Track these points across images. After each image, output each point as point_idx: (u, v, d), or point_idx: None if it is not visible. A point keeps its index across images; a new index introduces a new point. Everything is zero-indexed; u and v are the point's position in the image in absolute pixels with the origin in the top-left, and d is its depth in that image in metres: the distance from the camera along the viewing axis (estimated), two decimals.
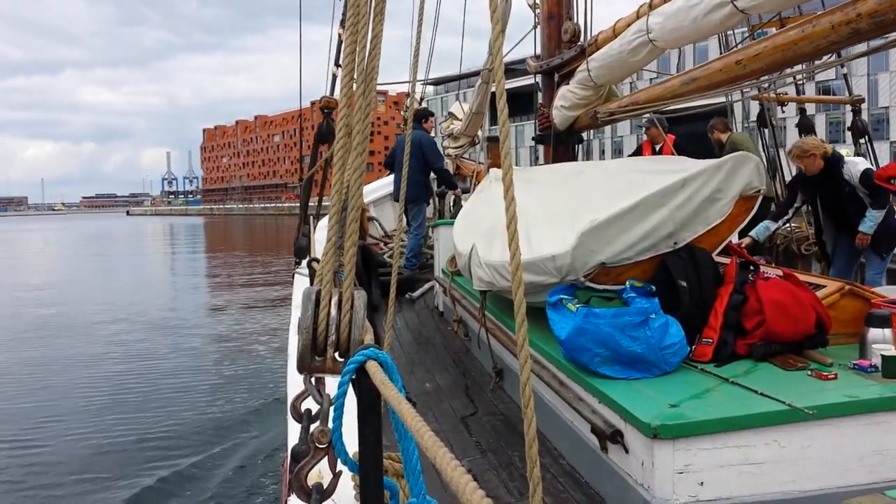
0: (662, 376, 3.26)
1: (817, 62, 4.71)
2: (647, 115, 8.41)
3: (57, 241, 62.58)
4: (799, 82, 8.59)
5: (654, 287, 3.52)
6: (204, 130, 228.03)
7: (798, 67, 4.71)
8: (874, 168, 6.39)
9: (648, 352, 3.22)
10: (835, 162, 6.20)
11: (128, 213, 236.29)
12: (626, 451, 2.90)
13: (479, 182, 8.02)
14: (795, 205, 6.79)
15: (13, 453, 8.59)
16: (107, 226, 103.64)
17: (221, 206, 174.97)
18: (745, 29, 7.26)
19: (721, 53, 4.84)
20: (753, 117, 9.13)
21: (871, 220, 6.12)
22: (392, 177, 10.93)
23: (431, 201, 9.88)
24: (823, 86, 40.57)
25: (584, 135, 7.33)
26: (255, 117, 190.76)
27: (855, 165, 6.22)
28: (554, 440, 3.73)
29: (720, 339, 3.49)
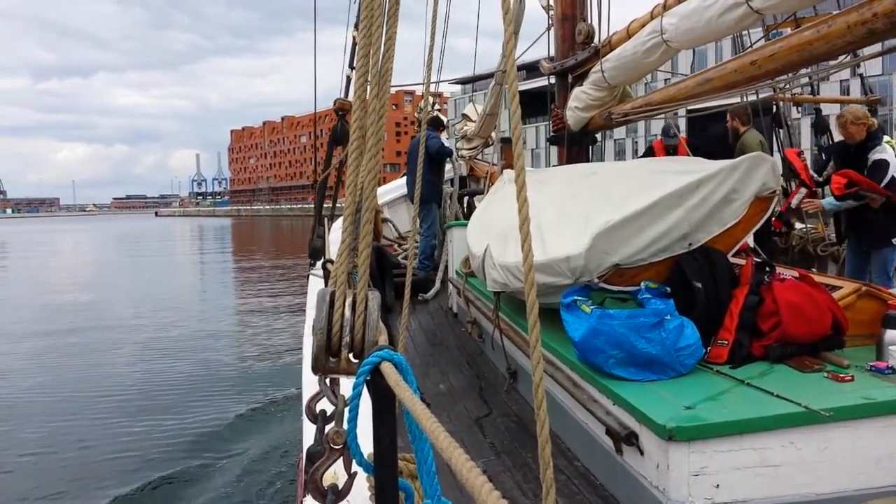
0: (677, 378, 3.25)
1: (833, 62, 4.68)
2: (664, 121, 8.40)
3: (83, 241, 62.68)
4: (814, 82, 8.53)
5: (668, 288, 3.51)
6: (231, 132, 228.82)
7: (813, 68, 4.69)
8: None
9: (663, 353, 3.20)
10: (872, 137, 6.20)
11: (156, 214, 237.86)
12: (641, 452, 2.89)
13: (492, 183, 8.02)
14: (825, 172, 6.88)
15: (33, 447, 8.69)
16: (134, 227, 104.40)
17: (248, 208, 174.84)
18: (760, 29, 7.22)
19: (735, 54, 4.83)
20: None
21: (829, 204, 6.23)
22: (405, 178, 10.97)
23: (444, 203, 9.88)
24: (845, 85, 40.17)
25: (599, 136, 7.32)
26: (282, 118, 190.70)
27: (882, 152, 6.17)
28: (568, 442, 3.72)
29: (735, 341, 3.47)
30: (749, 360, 3.44)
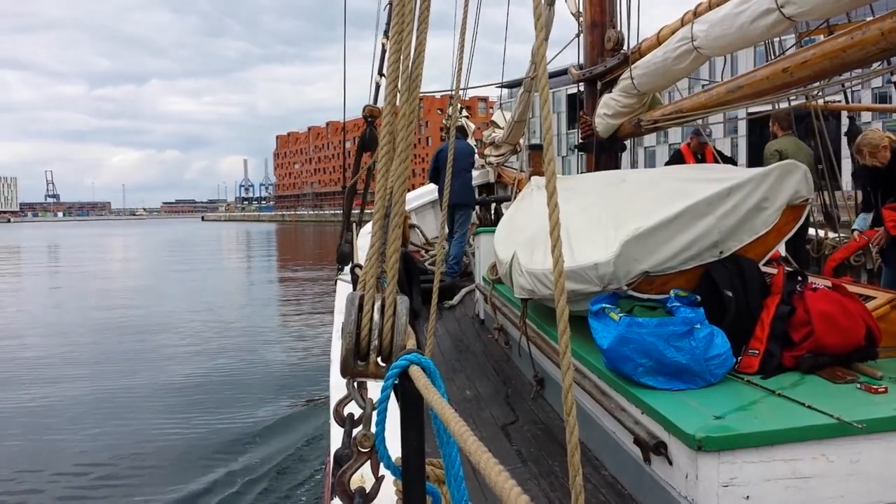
0: (707, 388, 3.22)
1: (866, 70, 4.62)
2: (694, 125, 8.34)
3: (125, 247, 62.99)
4: (848, 90, 8.42)
5: (698, 297, 3.47)
6: (277, 137, 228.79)
7: (847, 75, 4.63)
8: None
9: (693, 362, 3.17)
10: None
11: (202, 218, 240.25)
12: (670, 462, 2.86)
13: (520, 190, 8.01)
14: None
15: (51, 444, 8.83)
16: (179, 231, 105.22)
17: (293, 213, 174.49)
18: (793, 36, 7.15)
19: (767, 61, 4.78)
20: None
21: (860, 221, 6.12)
22: (433, 184, 11.01)
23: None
24: (879, 92, 39.51)
25: (628, 143, 7.28)
26: (327, 123, 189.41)
27: None
28: (595, 450, 3.70)
29: (767, 351, 3.43)
30: (780, 370, 3.39)
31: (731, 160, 9.04)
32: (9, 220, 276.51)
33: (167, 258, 43.89)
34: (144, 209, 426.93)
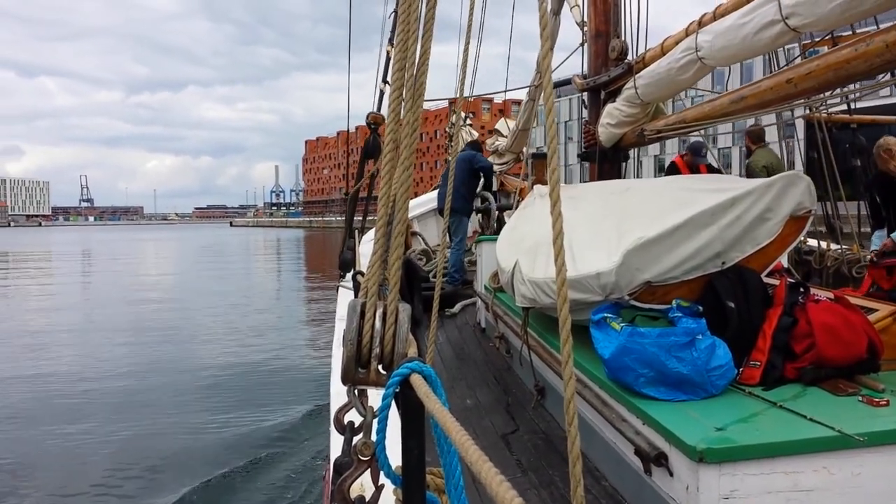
0: (708, 399, 3.20)
1: (870, 81, 4.62)
2: (695, 139, 8.38)
3: (149, 252, 62.75)
4: (852, 101, 8.44)
5: (700, 307, 3.46)
6: (306, 142, 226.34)
7: (851, 87, 4.63)
8: None
9: (694, 373, 3.16)
10: None
11: (231, 224, 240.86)
12: (671, 474, 2.85)
13: (523, 199, 8.01)
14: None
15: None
16: (203, 236, 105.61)
17: (320, 219, 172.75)
18: (797, 47, 7.15)
19: (771, 72, 4.78)
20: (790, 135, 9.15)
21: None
22: (436, 191, 11.03)
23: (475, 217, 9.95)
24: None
25: (632, 152, 7.28)
26: (357, 128, 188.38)
27: None
28: (596, 461, 3.68)
29: (768, 362, 3.42)
30: (782, 382, 3.38)
31: (718, 171, 9.09)
32: (40, 224, 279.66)
33: (185, 266, 43.53)
34: (176, 214, 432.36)
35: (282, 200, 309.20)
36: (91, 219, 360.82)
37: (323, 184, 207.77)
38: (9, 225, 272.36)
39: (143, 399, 11.37)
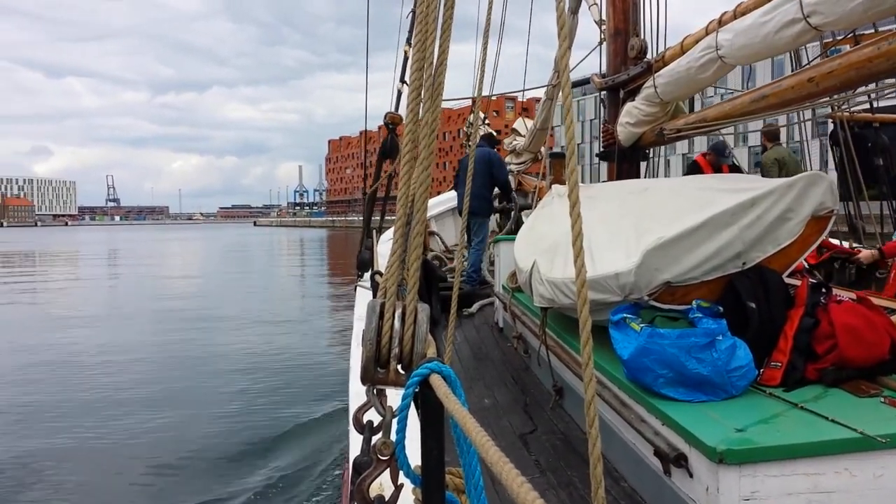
0: (729, 400, 3.18)
1: (893, 80, 4.57)
2: (717, 138, 8.35)
3: (174, 252, 62.91)
4: (874, 100, 8.36)
5: (721, 308, 3.44)
6: (329, 142, 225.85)
7: (873, 86, 4.59)
8: None
9: (714, 374, 3.14)
10: None
11: (254, 223, 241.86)
12: (690, 475, 2.83)
13: (541, 198, 8.00)
14: None
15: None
16: (227, 236, 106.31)
17: (343, 218, 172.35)
18: (818, 45, 7.09)
19: (793, 71, 4.74)
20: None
21: None
22: (455, 191, 11.02)
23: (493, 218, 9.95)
24: None
25: (650, 152, 7.25)
26: (379, 127, 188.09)
27: None
28: (614, 462, 3.67)
29: (789, 363, 3.39)
30: (803, 383, 3.35)
31: (739, 170, 9.05)
32: (66, 224, 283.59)
33: (208, 268, 43.68)
34: (201, 214, 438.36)
35: (305, 200, 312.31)
36: (117, 218, 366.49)
37: (346, 183, 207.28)
38: (35, 224, 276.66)
39: (167, 396, 11.51)
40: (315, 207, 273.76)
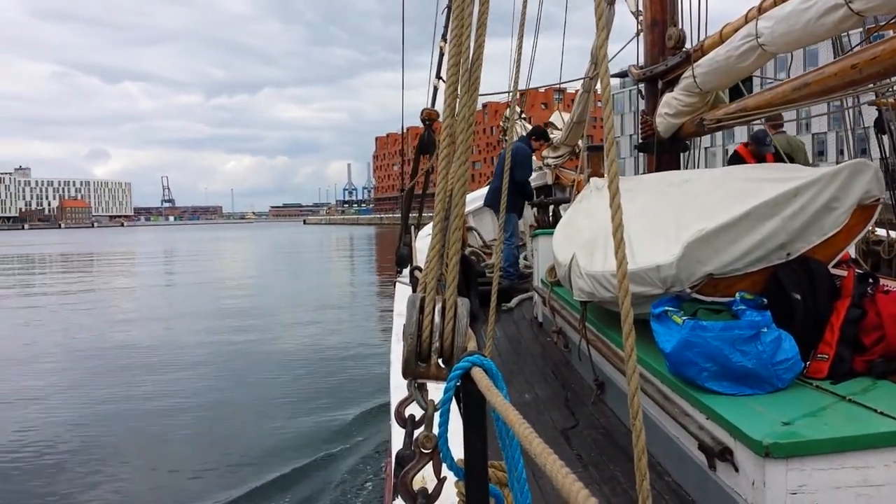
0: (774, 393, 3.14)
1: None
2: (759, 128, 8.24)
3: (217, 252, 63.26)
4: None
5: (765, 300, 3.39)
6: (376, 139, 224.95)
7: None
8: None
9: (760, 367, 3.10)
10: None
11: (304, 222, 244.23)
12: (736, 469, 2.80)
13: (578, 192, 7.94)
14: None
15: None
16: (277, 235, 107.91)
17: (390, 215, 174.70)
18: (860, 32, 6.93)
19: (835, 58, 4.64)
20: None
21: None
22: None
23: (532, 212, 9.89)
24: None
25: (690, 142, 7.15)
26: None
27: None
28: (658, 456, 3.64)
29: (836, 355, 3.33)
30: (851, 375, 3.29)
31: (791, 159, 8.88)
32: (122, 224, 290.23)
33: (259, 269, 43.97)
34: (253, 213, 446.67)
35: (354, 198, 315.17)
36: (171, 218, 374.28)
37: (393, 180, 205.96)
38: (92, 226, 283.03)
39: (219, 393, 11.87)
40: (363, 205, 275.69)
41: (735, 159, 8.83)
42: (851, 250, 4.56)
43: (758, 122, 6.92)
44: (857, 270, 3.74)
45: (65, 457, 8.86)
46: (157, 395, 11.63)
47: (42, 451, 9.10)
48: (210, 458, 8.70)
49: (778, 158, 7.98)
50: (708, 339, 3.16)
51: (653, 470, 3.53)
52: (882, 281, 3.71)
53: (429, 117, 6.99)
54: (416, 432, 1.66)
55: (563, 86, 10.72)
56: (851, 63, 4.03)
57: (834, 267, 3.83)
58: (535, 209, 10.40)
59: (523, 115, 13.62)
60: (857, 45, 5.42)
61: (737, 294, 3.42)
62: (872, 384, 3.19)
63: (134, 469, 8.48)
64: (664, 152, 6.54)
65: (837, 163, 5.45)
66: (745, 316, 3.21)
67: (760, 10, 4.76)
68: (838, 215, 3.64)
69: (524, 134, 10.52)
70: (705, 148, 65.36)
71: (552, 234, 6.35)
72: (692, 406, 3.22)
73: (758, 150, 8.33)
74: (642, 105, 6.98)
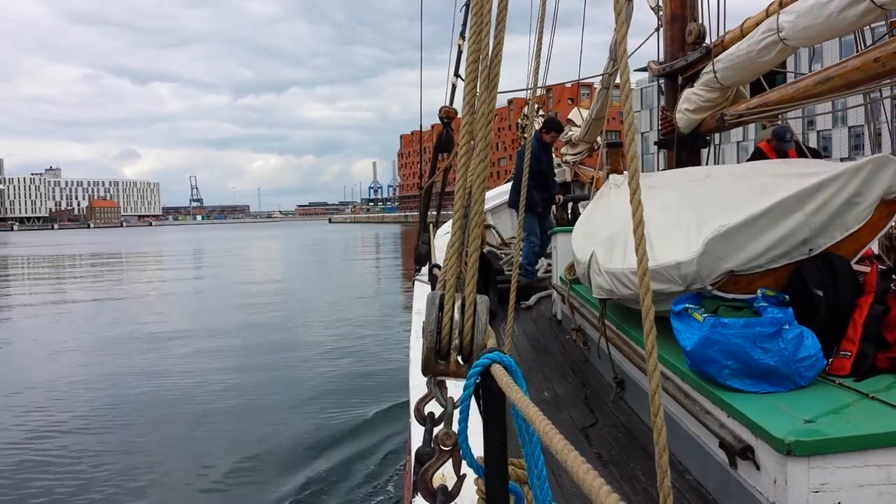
0: (796, 390, 3.11)
1: None
2: (778, 124, 8.15)
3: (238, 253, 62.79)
4: None
5: (787, 296, 3.35)
6: (401, 137, 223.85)
7: None
8: None
9: (781, 364, 3.07)
10: None
11: (329, 220, 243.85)
12: (758, 467, 2.78)
13: (597, 189, 7.91)
14: None
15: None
16: (303, 234, 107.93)
17: (415, 213, 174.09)
18: (884, 25, 6.85)
19: (857, 52, 4.58)
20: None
21: None
22: (509, 184, 10.98)
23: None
24: None
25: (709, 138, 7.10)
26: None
27: None
28: (679, 455, 3.62)
29: (859, 352, 3.29)
30: (874, 372, 3.26)
31: (817, 153, 8.75)
32: (150, 224, 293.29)
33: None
34: (280, 212, 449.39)
35: (379, 196, 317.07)
36: (199, 217, 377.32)
37: (418, 178, 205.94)
38: (121, 225, 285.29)
39: (246, 392, 11.94)
40: (388, 203, 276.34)
41: (757, 155, 8.75)
42: (874, 246, 4.50)
43: (778, 118, 6.84)
44: (880, 266, 3.69)
45: (86, 452, 9.07)
46: (181, 398, 11.72)
47: (69, 447, 9.28)
48: (231, 454, 8.78)
49: (800, 154, 7.90)
50: (729, 336, 3.14)
51: (673, 468, 3.51)
52: None
53: (447, 115, 6.97)
54: (436, 430, 1.66)
55: (588, 80, 10.61)
56: (874, 57, 3.98)
57: (857, 263, 3.79)
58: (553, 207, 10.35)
59: (541, 113, 13.56)
60: (880, 38, 5.35)
61: (758, 291, 3.39)
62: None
63: (160, 465, 8.59)
64: (684, 148, 6.50)
65: (842, 160, 5.36)
66: (767, 313, 3.18)
67: (782, 5, 4.72)
68: (861, 210, 3.60)
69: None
70: (737, 142, 64.81)
71: (571, 231, 6.33)
72: (713, 404, 3.20)
73: (779, 146, 8.24)
74: (662, 101, 6.94)
